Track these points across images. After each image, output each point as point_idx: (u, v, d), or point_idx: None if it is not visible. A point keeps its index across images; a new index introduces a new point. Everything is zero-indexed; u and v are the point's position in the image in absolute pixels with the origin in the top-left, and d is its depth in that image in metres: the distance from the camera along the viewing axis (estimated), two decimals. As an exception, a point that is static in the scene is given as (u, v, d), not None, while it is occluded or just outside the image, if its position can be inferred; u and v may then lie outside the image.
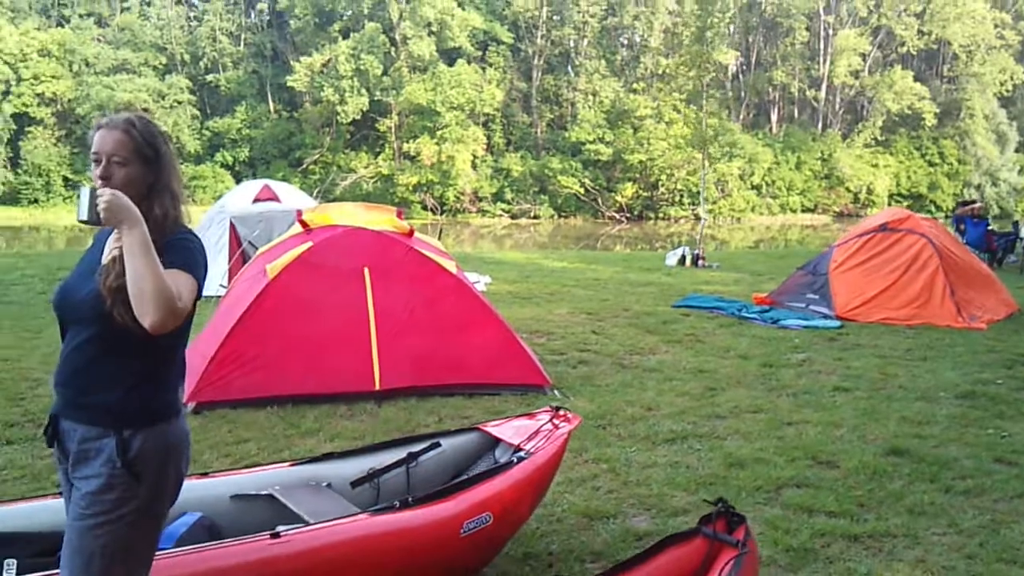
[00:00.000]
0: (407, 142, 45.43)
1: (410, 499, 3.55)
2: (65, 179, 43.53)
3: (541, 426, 4.17)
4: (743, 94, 53.64)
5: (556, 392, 6.86)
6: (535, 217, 45.65)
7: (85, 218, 2.33)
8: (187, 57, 48.30)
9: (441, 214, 44.67)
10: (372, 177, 46.10)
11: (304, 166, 46.22)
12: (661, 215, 46.90)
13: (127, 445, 2.41)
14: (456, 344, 6.91)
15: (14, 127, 42.86)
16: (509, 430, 4.28)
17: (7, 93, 43.11)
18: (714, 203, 45.65)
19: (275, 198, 11.88)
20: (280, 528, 3.27)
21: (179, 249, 2.45)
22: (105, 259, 2.45)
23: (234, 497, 3.75)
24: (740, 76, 54.37)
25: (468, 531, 3.51)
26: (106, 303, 2.37)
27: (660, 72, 47.57)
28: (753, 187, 48.41)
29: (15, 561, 3.17)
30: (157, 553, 2.87)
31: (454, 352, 6.87)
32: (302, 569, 3.19)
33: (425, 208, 44.50)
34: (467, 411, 6.35)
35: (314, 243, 7.04)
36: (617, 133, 46.92)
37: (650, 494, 4.86)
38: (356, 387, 6.55)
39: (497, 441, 4.27)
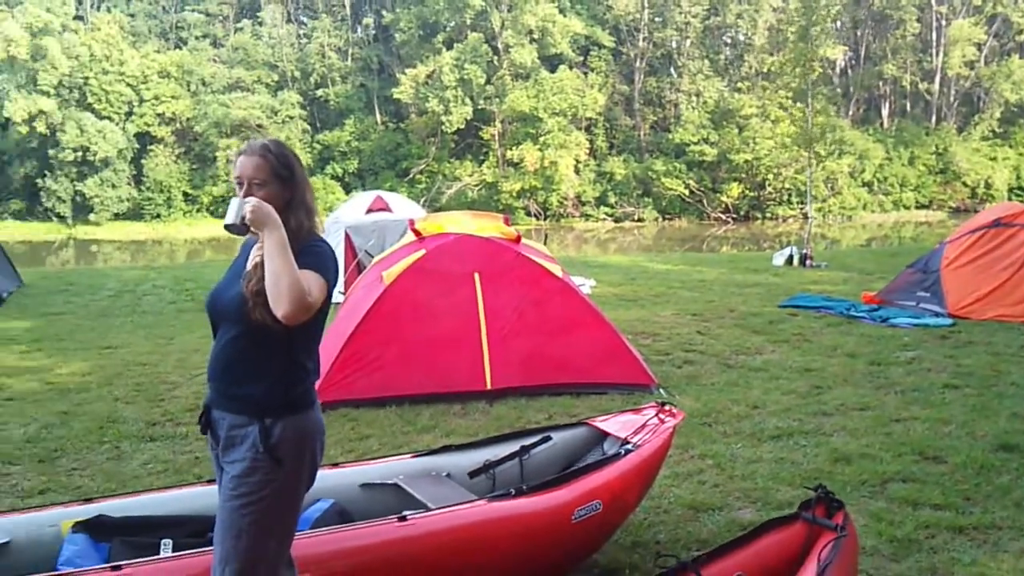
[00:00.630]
0: (510, 149, 45.90)
1: (524, 487, 3.80)
2: (185, 194, 45.50)
3: (647, 420, 4.37)
4: (852, 89, 52.35)
5: (662, 391, 7.02)
6: (639, 220, 45.54)
7: (231, 222, 2.66)
8: (297, 73, 49.87)
9: (545, 219, 44.99)
10: (477, 185, 46.73)
11: (411, 176, 47.17)
12: (768, 215, 46.18)
13: (269, 432, 2.71)
14: (563, 345, 7.15)
15: (137, 146, 44.97)
16: (616, 424, 4.49)
17: (130, 114, 45.30)
18: (823, 202, 44.71)
19: (387, 208, 12.34)
20: (406, 513, 3.56)
21: (311, 254, 2.74)
22: (249, 265, 2.76)
23: (362, 486, 4.07)
24: (849, 71, 53.11)
25: (579, 518, 3.74)
26: (248, 304, 2.69)
27: (765, 70, 46.86)
28: (864, 184, 47.19)
29: (171, 541, 3.54)
30: (299, 535, 3.21)
31: (561, 352, 7.11)
32: (426, 550, 3.47)
33: (529, 214, 44.86)
34: (575, 409, 6.58)
35: (427, 250, 7.38)
36: (722, 133, 46.40)
37: (755, 488, 4.99)
38: (468, 387, 6.86)
39: (605, 435, 4.48)
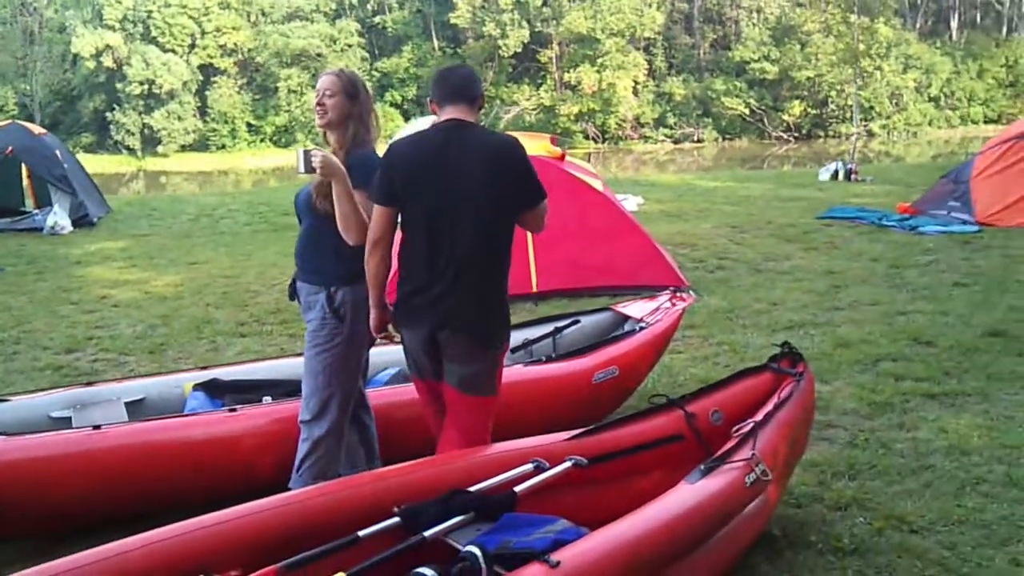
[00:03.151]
0: (568, 72, 45.97)
1: (553, 355, 4.63)
2: (248, 125, 46.48)
3: (660, 304, 5.17)
4: (920, 1, 51.08)
5: (691, 292, 7.75)
6: (699, 141, 45.49)
7: (303, 171, 3.44)
8: (355, 1, 50.28)
9: (603, 142, 45.24)
10: (534, 108, 47.00)
11: (469, 101, 47.48)
12: (831, 132, 45.73)
13: (333, 297, 3.59)
14: (602, 252, 7.91)
15: (201, 78, 45.98)
16: (635, 308, 5.30)
17: (193, 46, 46.24)
18: (888, 118, 44.19)
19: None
20: (456, 374, 4.42)
21: (359, 167, 3.51)
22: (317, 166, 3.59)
23: (422, 358, 4.92)
24: (916, -19, 51.78)
25: (598, 380, 4.55)
26: (313, 198, 3.57)
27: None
28: (930, 99, 46.39)
29: (269, 398, 4.44)
30: (371, 390, 4.11)
31: (600, 259, 7.88)
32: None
33: (587, 137, 45.12)
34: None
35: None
36: (783, 50, 45.85)
37: (761, 366, 5.74)
38: (516, 290, 7.54)
39: (626, 318, 5.27)
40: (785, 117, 45.72)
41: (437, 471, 3.29)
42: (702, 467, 3.24)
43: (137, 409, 4.35)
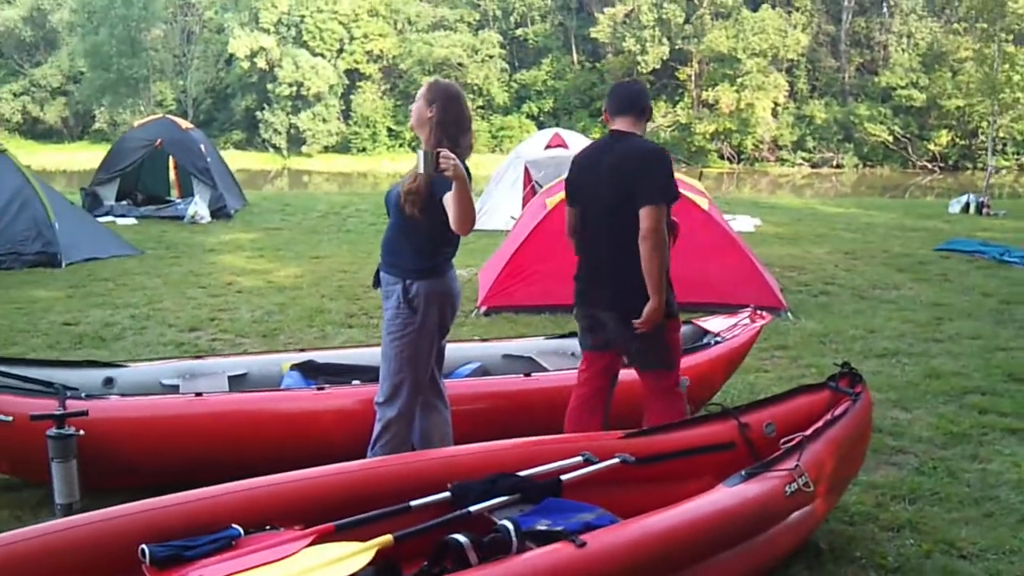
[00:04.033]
0: (706, 90, 45.65)
1: (626, 363, 4.81)
2: (389, 130, 47.85)
3: (739, 320, 5.29)
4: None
5: (789, 315, 7.78)
6: (837, 167, 44.35)
7: (424, 171, 3.67)
8: (499, 12, 51.18)
9: (738, 163, 44.68)
10: (670, 126, 46.77)
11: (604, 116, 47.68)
12: (980, 165, 43.82)
13: (408, 289, 3.87)
14: (703, 268, 7.99)
15: (346, 82, 47.68)
16: (714, 323, 5.44)
17: (341, 51, 48.00)
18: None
19: (564, 145, 13.37)
20: (532, 372, 4.68)
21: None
22: (408, 177, 3.87)
23: (504, 356, 5.20)
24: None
25: (670, 388, 4.70)
26: (402, 200, 3.85)
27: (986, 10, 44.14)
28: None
29: (359, 381, 4.78)
30: (451, 381, 4.40)
31: (701, 274, 7.95)
32: (545, 397, 4.54)
33: (722, 157, 44.66)
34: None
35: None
36: (933, 77, 44.29)
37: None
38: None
39: (705, 331, 5.40)
40: (931, 146, 44.12)
41: (491, 455, 3.54)
42: (743, 472, 3.38)
43: (239, 383, 4.77)
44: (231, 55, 46.22)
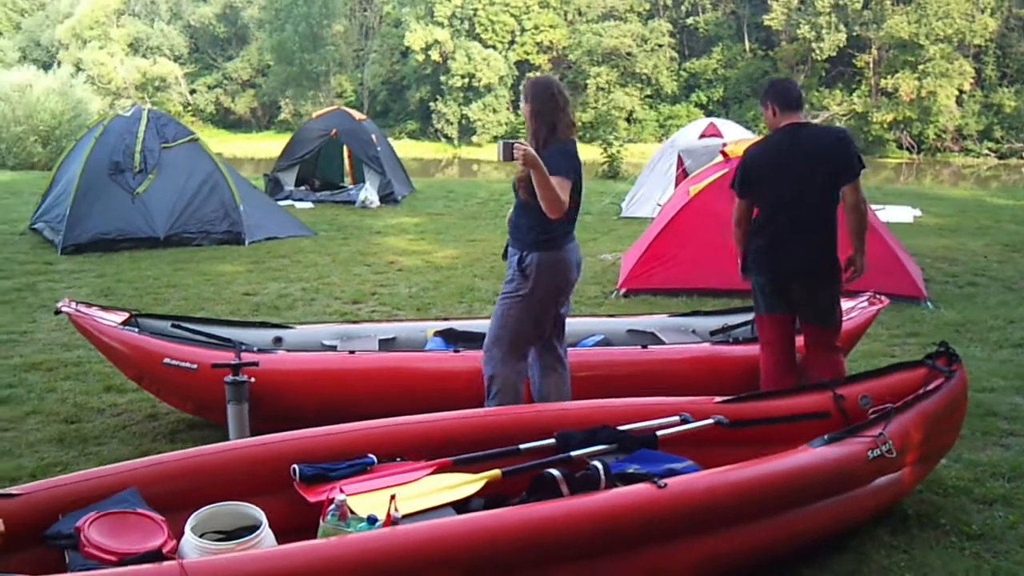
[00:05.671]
0: (885, 78, 43.97)
1: (740, 338, 5.13)
2: (555, 120, 48.41)
3: (857, 304, 5.48)
4: None
5: (929, 304, 7.78)
6: (1028, 157, 41.93)
7: (502, 159, 4.13)
8: (669, 1, 50.92)
9: (918, 153, 42.91)
10: (845, 114, 45.31)
11: (775, 104, 46.62)
12: None
13: (523, 259, 4.36)
14: (841, 254, 8.09)
15: (516, 73, 48.59)
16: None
17: (512, 43, 48.97)
18: None
19: (718, 134, 13.48)
20: (649, 344, 5.07)
21: (555, 155, 4.25)
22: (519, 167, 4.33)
23: (628, 331, 5.60)
24: None
25: (779, 365, 4.98)
26: (516, 186, 4.35)
27: None
28: None
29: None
30: (574, 350, 4.85)
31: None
32: (661, 370, 4.92)
33: (900, 147, 43.02)
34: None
35: (729, 169, 8.60)
36: None
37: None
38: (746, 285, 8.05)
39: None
40: None
41: (597, 412, 3.98)
42: (827, 436, 3.67)
43: (388, 345, 5.38)
44: (407, 48, 47.96)
